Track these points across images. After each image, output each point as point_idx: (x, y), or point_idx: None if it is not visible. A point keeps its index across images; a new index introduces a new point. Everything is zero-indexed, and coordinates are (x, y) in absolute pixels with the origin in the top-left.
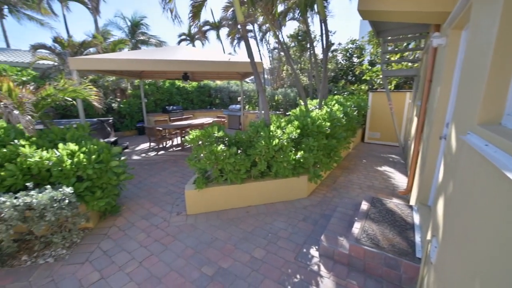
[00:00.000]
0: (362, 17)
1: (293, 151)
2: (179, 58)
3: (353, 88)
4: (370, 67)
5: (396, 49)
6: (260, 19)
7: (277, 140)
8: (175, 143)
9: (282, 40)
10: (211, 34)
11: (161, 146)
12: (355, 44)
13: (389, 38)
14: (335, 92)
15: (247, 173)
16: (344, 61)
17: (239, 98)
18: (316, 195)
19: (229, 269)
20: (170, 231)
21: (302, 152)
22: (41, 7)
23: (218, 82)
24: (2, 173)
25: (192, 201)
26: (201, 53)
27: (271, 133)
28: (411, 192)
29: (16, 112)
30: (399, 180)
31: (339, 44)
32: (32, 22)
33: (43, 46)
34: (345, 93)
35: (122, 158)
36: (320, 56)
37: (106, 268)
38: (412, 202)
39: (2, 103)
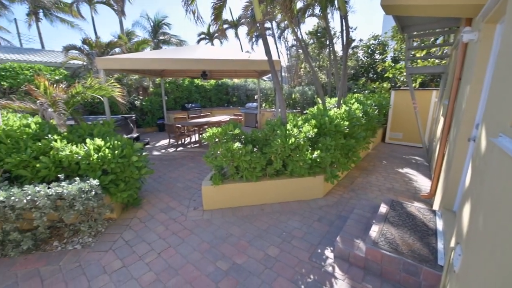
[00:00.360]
0: (386, 12)
1: (310, 150)
2: (198, 57)
3: (374, 86)
4: (393, 64)
5: (422, 45)
6: (279, 16)
7: (293, 139)
8: (193, 140)
9: (300, 37)
10: (230, 33)
11: (180, 142)
12: (377, 40)
13: (415, 33)
14: (355, 90)
15: (262, 171)
16: (365, 58)
17: (256, 96)
18: (332, 195)
19: (243, 265)
20: (187, 225)
21: (319, 151)
22: (72, 10)
23: (236, 80)
24: (37, 165)
25: (208, 197)
26: (219, 51)
27: (287, 132)
28: (435, 196)
29: (50, 110)
30: (422, 183)
31: (360, 40)
32: (64, 24)
33: (74, 47)
34: (366, 91)
35: (144, 153)
36: (340, 53)
37: (127, 257)
38: (436, 206)
39: (38, 101)
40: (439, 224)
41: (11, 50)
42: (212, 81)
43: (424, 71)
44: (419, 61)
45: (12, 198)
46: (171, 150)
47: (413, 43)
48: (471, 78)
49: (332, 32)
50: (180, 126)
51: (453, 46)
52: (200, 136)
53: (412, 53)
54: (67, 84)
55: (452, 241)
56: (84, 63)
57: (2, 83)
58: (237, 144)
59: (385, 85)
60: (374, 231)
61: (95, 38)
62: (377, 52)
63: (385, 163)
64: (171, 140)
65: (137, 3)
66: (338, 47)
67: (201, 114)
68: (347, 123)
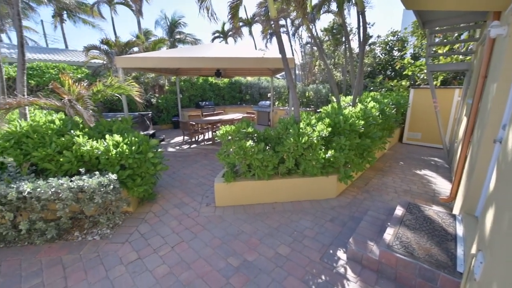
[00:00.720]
0: (406, 7)
1: (323, 150)
2: (212, 55)
3: (391, 84)
4: (412, 61)
5: (445, 40)
6: (293, 13)
7: (306, 138)
8: (206, 137)
9: (315, 34)
10: (244, 30)
11: (193, 139)
12: (396, 36)
13: (437, 28)
14: (371, 88)
15: (274, 170)
16: (383, 54)
17: (269, 94)
18: (345, 196)
19: (254, 263)
20: (199, 220)
21: (332, 151)
22: (93, 11)
23: (249, 78)
24: (61, 159)
25: (220, 193)
26: (233, 50)
27: (300, 131)
28: (455, 200)
29: (79, 106)
30: (441, 185)
31: (378, 36)
32: (85, 25)
33: (94, 47)
34: (383, 89)
35: (159, 150)
36: (356, 50)
37: (142, 250)
38: (456, 211)
39: (66, 98)
40: (459, 229)
41: (38, 50)
42: (226, 80)
43: (446, 69)
44: (441, 58)
45: (38, 189)
46: (185, 147)
47: (434, 39)
48: (498, 76)
49: (348, 29)
50: (194, 123)
51: (478, 42)
52: (213, 133)
53: (434, 49)
54: (88, 82)
55: (473, 248)
56: (104, 62)
57: (29, 81)
58: (249, 142)
59: (403, 83)
60: (389, 234)
61: (115, 37)
62: (395, 48)
63: (402, 164)
64: (185, 137)
65: (154, 2)
66: (355, 44)
67: (215, 112)
68: (362, 122)
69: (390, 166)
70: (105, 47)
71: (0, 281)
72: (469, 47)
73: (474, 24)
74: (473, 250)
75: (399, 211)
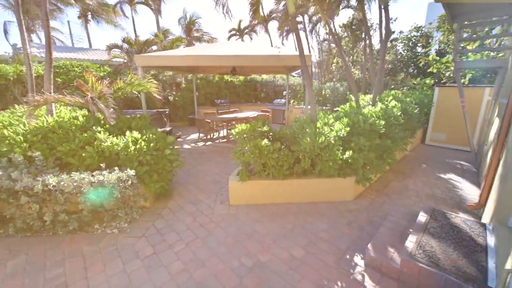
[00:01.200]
0: None
1: (341, 150)
2: (229, 53)
3: (414, 82)
4: (438, 58)
5: (475, 35)
6: (311, 10)
7: (323, 138)
8: (221, 135)
9: (334, 30)
10: (260, 28)
11: (209, 137)
12: (420, 31)
13: (466, 23)
14: (392, 86)
15: (289, 170)
16: (406, 51)
17: (284, 93)
18: (363, 199)
19: (267, 264)
20: (214, 218)
21: (350, 151)
22: (115, 11)
23: (264, 76)
24: (83, 154)
25: (235, 192)
26: (249, 47)
27: (317, 130)
28: (485, 207)
29: (101, 104)
30: (468, 191)
31: (400, 32)
32: (108, 25)
33: (116, 46)
34: (404, 87)
35: (176, 147)
36: (377, 46)
37: (158, 245)
38: (486, 219)
39: (89, 95)
40: (490, 240)
41: (64, 49)
42: (241, 77)
43: (476, 66)
44: (470, 54)
45: (62, 183)
46: (201, 144)
47: (463, 34)
48: None
49: (369, 24)
50: (209, 121)
51: None
52: (228, 131)
53: (462, 45)
54: (109, 80)
55: (508, 262)
56: (125, 61)
57: (56, 79)
58: (265, 141)
59: (427, 81)
60: (411, 241)
61: (135, 36)
62: (419, 45)
63: (424, 167)
64: (201, 135)
65: (171, 1)
66: (375, 40)
67: (230, 110)
68: (383, 122)
69: (412, 168)
70: (126, 45)
71: (27, 268)
72: (503, 42)
73: (508, 18)
74: (509, 265)
75: (422, 217)
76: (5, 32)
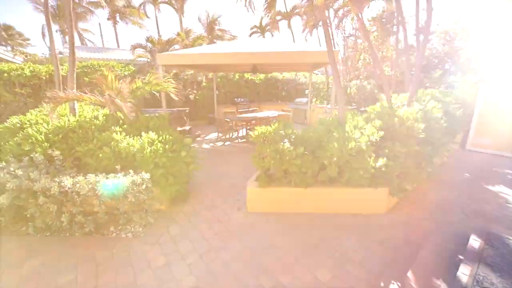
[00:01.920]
0: None
1: (373, 157)
2: (249, 51)
3: (454, 79)
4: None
5: None
6: (337, 3)
7: (353, 143)
8: (240, 134)
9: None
10: (282, 24)
11: (227, 136)
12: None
13: None
14: (427, 84)
15: (313, 177)
16: (442, 45)
17: (306, 91)
18: (397, 212)
19: (289, 287)
20: (230, 226)
21: (384, 159)
22: (139, 12)
23: (286, 74)
24: (100, 155)
25: (253, 198)
26: (271, 44)
27: (346, 134)
28: None
29: (118, 101)
30: None
31: (437, 25)
32: (134, 25)
33: (140, 45)
34: (441, 86)
35: (194, 145)
36: (410, 40)
37: (171, 255)
38: None
39: (107, 93)
40: None
41: (94, 50)
42: (261, 76)
43: None
44: None
45: (78, 185)
46: (219, 144)
47: None
48: None
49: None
50: (228, 120)
51: None
52: (248, 131)
53: None
54: (130, 79)
55: None
56: (148, 60)
57: (84, 78)
58: (287, 145)
59: (469, 78)
60: (464, 273)
61: (158, 36)
62: (457, 38)
63: (467, 176)
64: (220, 134)
65: (191, 1)
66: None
67: (250, 109)
68: (422, 125)
69: (452, 177)
70: (149, 44)
71: (41, 272)
72: None
73: None
74: None
75: (474, 242)
76: (43, 35)
